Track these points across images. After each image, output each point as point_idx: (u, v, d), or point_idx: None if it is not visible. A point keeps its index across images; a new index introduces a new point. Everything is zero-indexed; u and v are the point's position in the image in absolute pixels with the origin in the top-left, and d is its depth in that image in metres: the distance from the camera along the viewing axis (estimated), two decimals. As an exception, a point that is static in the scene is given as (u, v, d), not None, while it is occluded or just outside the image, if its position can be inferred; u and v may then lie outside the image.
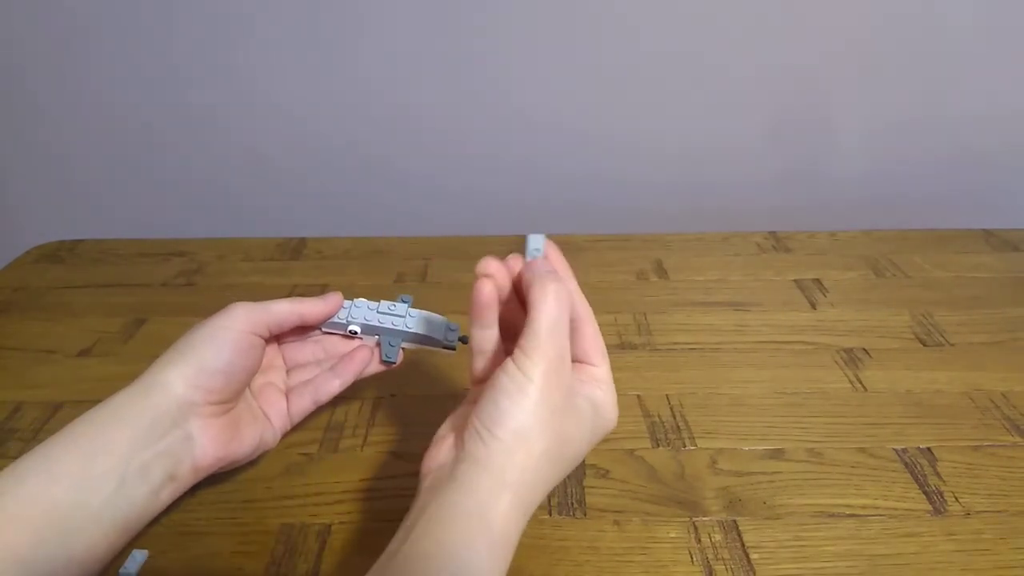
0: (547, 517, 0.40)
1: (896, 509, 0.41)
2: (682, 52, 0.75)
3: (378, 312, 0.42)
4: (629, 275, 0.66)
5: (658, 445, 0.46)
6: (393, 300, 0.43)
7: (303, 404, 0.41)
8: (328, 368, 0.42)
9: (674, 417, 0.48)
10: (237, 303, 0.38)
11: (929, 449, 0.45)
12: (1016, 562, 0.37)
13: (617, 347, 0.56)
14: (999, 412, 0.48)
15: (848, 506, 0.41)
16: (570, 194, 0.85)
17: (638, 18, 0.73)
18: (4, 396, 0.51)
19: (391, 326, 0.41)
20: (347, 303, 0.42)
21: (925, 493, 0.42)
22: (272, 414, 0.40)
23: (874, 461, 0.44)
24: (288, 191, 0.85)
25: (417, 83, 0.77)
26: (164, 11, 0.73)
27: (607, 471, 0.44)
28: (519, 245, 0.74)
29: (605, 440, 0.46)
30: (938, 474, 0.43)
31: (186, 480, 0.36)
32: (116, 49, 0.76)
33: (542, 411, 0.29)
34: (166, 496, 0.35)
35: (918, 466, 0.44)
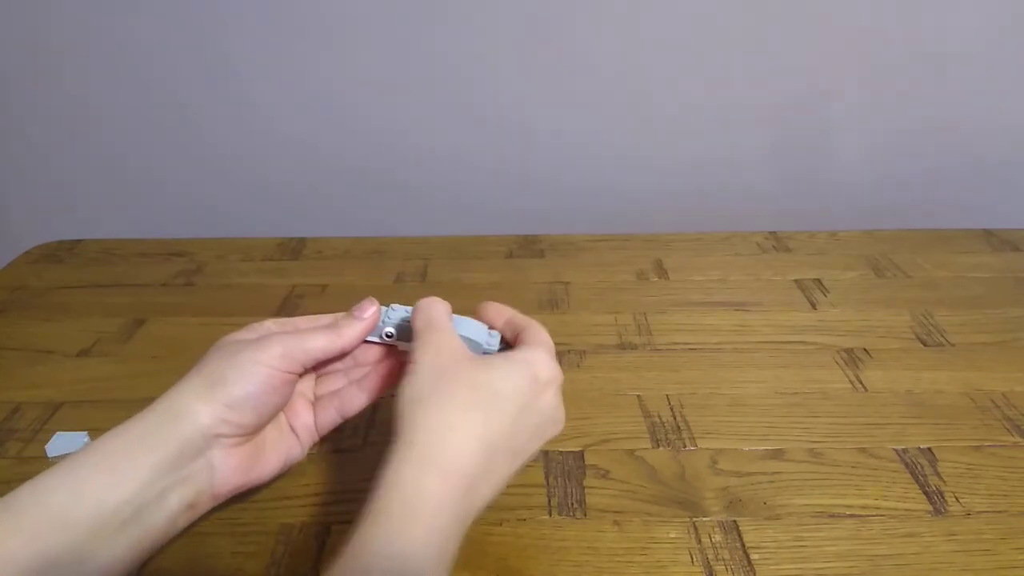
0: (547, 517, 0.40)
1: (896, 509, 0.41)
2: (683, 55, 0.75)
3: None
4: (629, 275, 0.66)
5: (658, 445, 0.46)
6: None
7: (330, 417, 0.39)
8: (356, 381, 0.40)
9: (674, 417, 0.48)
10: (273, 334, 0.36)
11: (929, 449, 0.45)
12: (1017, 562, 0.37)
13: (617, 347, 0.56)
14: (999, 412, 0.48)
15: (848, 506, 0.41)
16: (571, 195, 0.85)
17: (640, 22, 0.73)
18: (3, 396, 0.51)
19: None
20: (382, 308, 0.40)
21: (925, 493, 0.42)
22: (299, 427, 0.39)
23: (874, 461, 0.44)
24: (288, 191, 0.85)
25: (418, 85, 0.77)
26: (164, 12, 0.73)
27: (607, 471, 0.44)
28: (519, 245, 0.74)
29: (605, 440, 0.46)
30: (938, 474, 0.43)
31: (204, 507, 0.35)
32: (116, 50, 0.76)
33: (440, 383, 0.32)
34: (183, 522, 0.34)
35: (918, 466, 0.44)
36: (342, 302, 0.65)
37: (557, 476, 0.43)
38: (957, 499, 0.41)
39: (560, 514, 0.41)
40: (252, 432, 0.35)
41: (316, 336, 0.36)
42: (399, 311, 0.39)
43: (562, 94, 0.78)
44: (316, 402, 0.40)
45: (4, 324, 0.60)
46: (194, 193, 0.86)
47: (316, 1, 0.72)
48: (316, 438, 0.39)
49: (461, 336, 0.39)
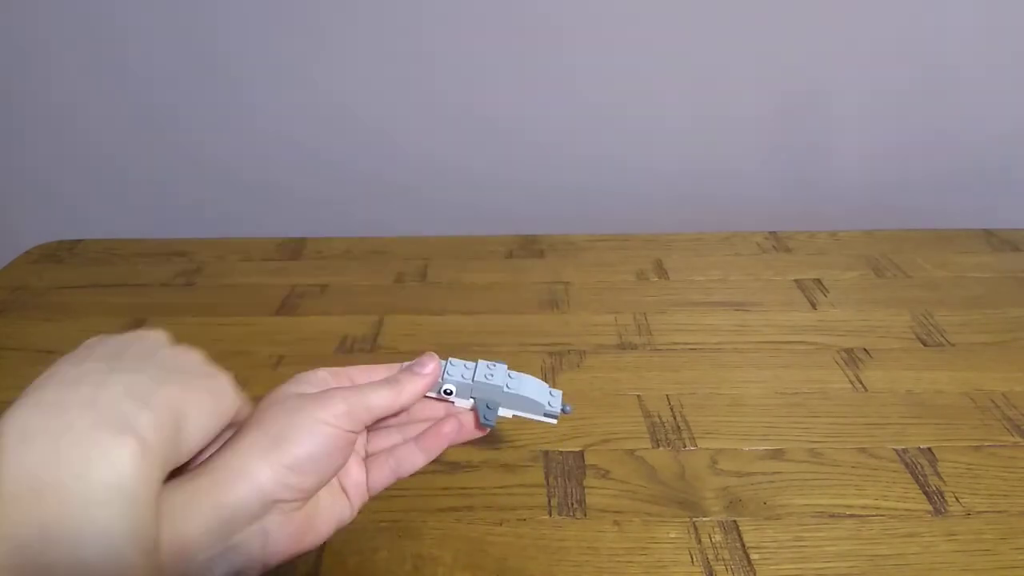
0: (547, 517, 0.40)
1: (896, 509, 0.41)
2: (685, 57, 0.75)
3: (476, 372, 0.38)
4: (629, 275, 0.66)
5: (658, 445, 0.46)
6: (487, 359, 0.39)
7: (383, 477, 0.36)
8: (413, 438, 0.37)
9: (674, 417, 0.48)
10: (334, 390, 0.33)
11: (929, 449, 0.45)
12: (1016, 562, 0.37)
13: (617, 347, 0.56)
14: (999, 412, 0.48)
15: (848, 506, 0.41)
16: (571, 196, 0.85)
17: (641, 24, 0.73)
18: (3, 396, 0.50)
19: (492, 386, 0.37)
20: (441, 362, 0.38)
21: (925, 493, 0.42)
22: (350, 487, 0.36)
23: (874, 461, 0.44)
24: (288, 191, 0.85)
25: (418, 86, 0.77)
26: (164, 12, 0.73)
27: (607, 471, 0.44)
28: (519, 245, 0.74)
29: (605, 440, 0.46)
30: (938, 474, 0.43)
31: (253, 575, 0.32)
32: (116, 50, 0.76)
33: None
34: None
35: (918, 466, 0.44)
36: (342, 302, 0.65)
37: (557, 476, 0.43)
38: (957, 499, 0.41)
39: (560, 514, 0.41)
40: (310, 496, 0.33)
41: (378, 393, 0.34)
42: (458, 366, 0.38)
43: (562, 96, 0.78)
44: (368, 459, 0.37)
45: (4, 324, 0.60)
46: (194, 193, 0.86)
47: (316, 3, 0.72)
48: (367, 498, 0.37)
49: (520, 396, 0.37)
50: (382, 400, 0.34)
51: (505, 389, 0.37)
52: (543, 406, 0.37)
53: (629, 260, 0.69)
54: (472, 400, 0.37)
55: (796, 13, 0.73)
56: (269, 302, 0.63)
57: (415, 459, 0.36)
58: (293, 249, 0.73)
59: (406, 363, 0.36)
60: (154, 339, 0.32)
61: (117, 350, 0.31)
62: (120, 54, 0.76)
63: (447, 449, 0.36)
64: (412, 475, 0.36)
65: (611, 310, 0.60)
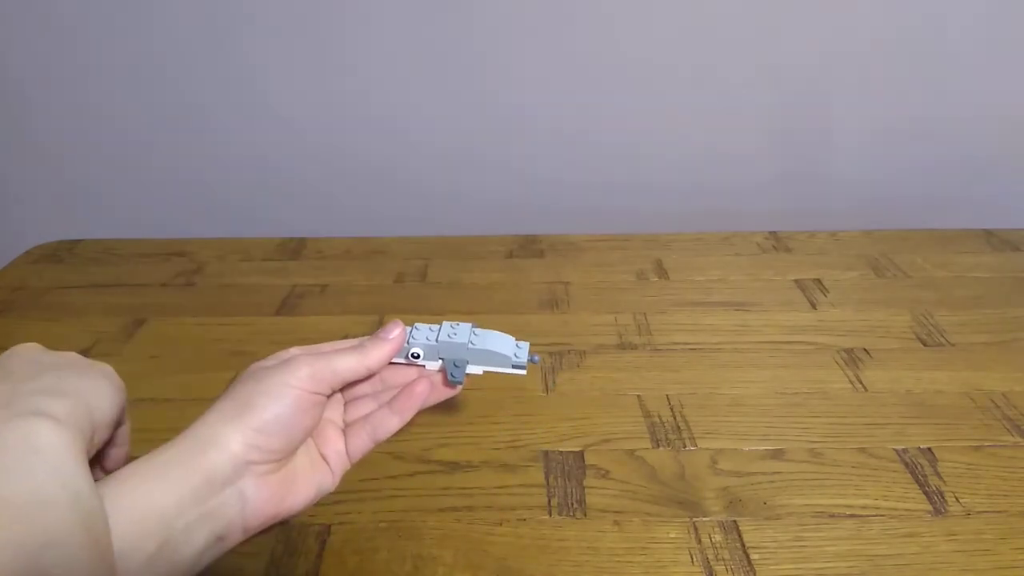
0: (547, 517, 0.40)
1: (896, 509, 0.41)
2: (684, 55, 0.75)
3: (440, 332, 0.39)
4: (629, 275, 0.66)
5: (658, 445, 0.46)
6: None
7: (361, 443, 0.38)
8: (386, 403, 0.39)
9: (674, 417, 0.48)
10: (300, 356, 0.35)
11: (929, 449, 0.45)
12: (1016, 562, 0.37)
13: (617, 347, 0.56)
14: (999, 412, 0.48)
15: (848, 506, 0.41)
16: (571, 195, 0.85)
17: (641, 21, 0.73)
18: (4, 396, 0.50)
19: (456, 344, 0.38)
20: (407, 328, 0.39)
21: (925, 493, 0.42)
22: (330, 455, 0.38)
23: (874, 461, 0.44)
24: (288, 191, 0.85)
25: (418, 86, 0.77)
26: (164, 12, 0.73)
27: (607, 471, 0.44)
28: (519, 245, 0.74)
29: (605, 440, 0.46)
30: (938, 474, 0.43)
31: (235, 540, 0.33)
32: (116, 50, 0.76)
33: None
34: (209, 557, 0.32)
35: (918, 466, 0.44)
36: (342, 302, 0.65)
37: (557, 476, 0.43)
38: (957, 499, 0.41)
39: (560, 514, 0.41)
40: (282, 457, 0.34)
41: (343, 357, 0.36)
42: (423, 329, 0.39)
43: (563, 94, 0.78)
44: (347, 428, 0.39)
45: (4, 324, 0.60)
46: (194, 193, 0.86)
47: (317, 2, 0.72)
48: (348, 465, 0.38)
49: (486, 350, 0.38)
50: (347, 363, 0.35)
51: (469, 346, 0.38)
52: (510, 358, 0.38)
53: (629, 260, 0.69)
54: (440, 361, 0.38)
55: (796, 13, 0.73)
56: (269, 302, 0.63)
57: (390, 423, 0.38)
58: (293, 249, 0.73)
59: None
60: (31, 348, 0.34)
61: (4, 367, 0.32)
62: (121, 54, 0.76)
63: (422, 412, 0.37)
64: (388, 439, 0.37)
65: (611, 310, 0.60)
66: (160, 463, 0.31)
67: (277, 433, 0.33)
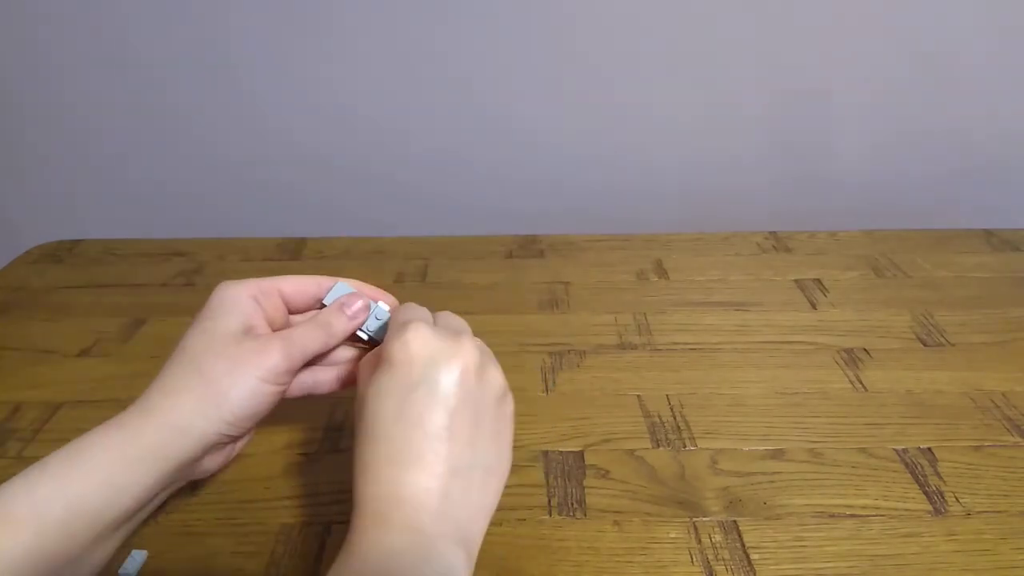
0: (547, 517, 0.40)
1: (896, 509, 0.41)
2: (683, 55, 0.75)
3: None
4: (629, 275, 0.66)
5: (658, 445, 0.46)
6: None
7: (302, 388, 0.39)
8: (333, 365, 0.40)
9: (674, 417, 0.48)
10: (273, 340, 0.35)
11: (929, 449, 0.45)
12: (1017, 562, 0.37)
13: (617, 347, 0.56)
14: (999, 412, 0.48)
15: (848, 506, 0.41)
16: (571, 195, 0.85)
17: (640, 21, 0.73)
18: (3, 396, 0.51)
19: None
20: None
21: (925, 493, 0.42)
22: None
23: (874, 461, 0.44)
24: (288, 191, 0.85)
25: (418, 85, 0.78)
26: (163, 11, 0.73)
27: (607, 471, 0.44)
28: (519, 245, 0.74)
29: (605, 440, 0.46)
30: (938, 474, 0.43)
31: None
32: (115, 50, 0.76)
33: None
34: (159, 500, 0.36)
35: (918, 466, 0.44)
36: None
37: (557, 476, 0.43)
38: (957, 499, 0.41)
39: (560, 514, 0.41)
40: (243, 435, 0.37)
41: (312, 338, 0.37)
42: (376, 309, 0.40)
43: (562, 94, 0.78)
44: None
45: (4, 324, 0.60)
46: (194, 193, 0.86)
47: (317, 4, 0.72)
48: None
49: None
50: (316, 345, 0.37)
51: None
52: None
53: (629, 260, 0.69)
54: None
55: (795, 13, 0.73)
56: (269, 302, 0.63)
57: (329, 386, 0.40)
58: (293, 249, 0.73)
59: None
60: (496, 389, 0.34)
61: (476, 410, 0.32)
62: (121, 53, 0.76)
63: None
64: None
65: (611, 310, 0.60)
66: (136, 451, 0.32)
67: (245, 419, 0.35)
